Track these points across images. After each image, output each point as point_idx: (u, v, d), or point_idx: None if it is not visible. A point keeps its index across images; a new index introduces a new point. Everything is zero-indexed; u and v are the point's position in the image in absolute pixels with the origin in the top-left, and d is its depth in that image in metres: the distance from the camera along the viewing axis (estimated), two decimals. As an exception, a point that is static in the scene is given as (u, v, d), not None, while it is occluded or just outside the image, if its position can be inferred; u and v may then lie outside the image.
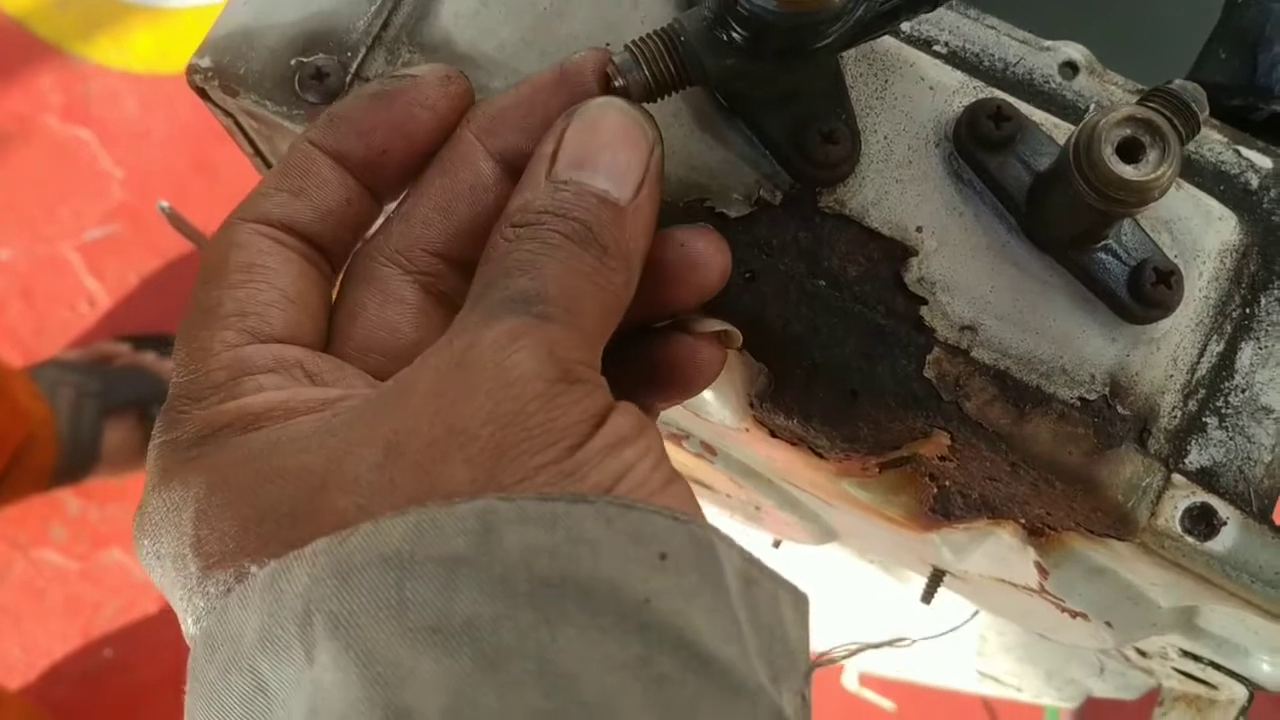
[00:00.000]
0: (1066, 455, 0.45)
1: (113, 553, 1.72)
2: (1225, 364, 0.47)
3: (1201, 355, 0.47)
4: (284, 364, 0.38)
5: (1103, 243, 0.44)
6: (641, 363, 0.44)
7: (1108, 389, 0.45)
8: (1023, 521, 0.51)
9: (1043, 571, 0.52)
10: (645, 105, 0.42)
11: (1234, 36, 0.51)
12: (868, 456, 0.48)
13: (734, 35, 0.41)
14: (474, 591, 0.32)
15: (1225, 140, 0.49)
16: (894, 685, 1.51)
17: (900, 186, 0.46)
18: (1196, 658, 0.59)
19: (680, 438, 0.61)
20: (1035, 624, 0.64)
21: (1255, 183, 0.48)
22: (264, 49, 0.49)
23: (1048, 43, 0.50)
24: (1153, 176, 0.39)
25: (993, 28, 0.50)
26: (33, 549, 1.71)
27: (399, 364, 0.38)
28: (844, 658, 0.38)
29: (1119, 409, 0.45)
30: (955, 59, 0.49)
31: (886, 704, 1.49)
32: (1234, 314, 0.47)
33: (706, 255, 0.42)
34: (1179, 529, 0.45)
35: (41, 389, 1.62)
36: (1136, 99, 0.44)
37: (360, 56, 0.49)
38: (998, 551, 0.53)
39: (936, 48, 0.49)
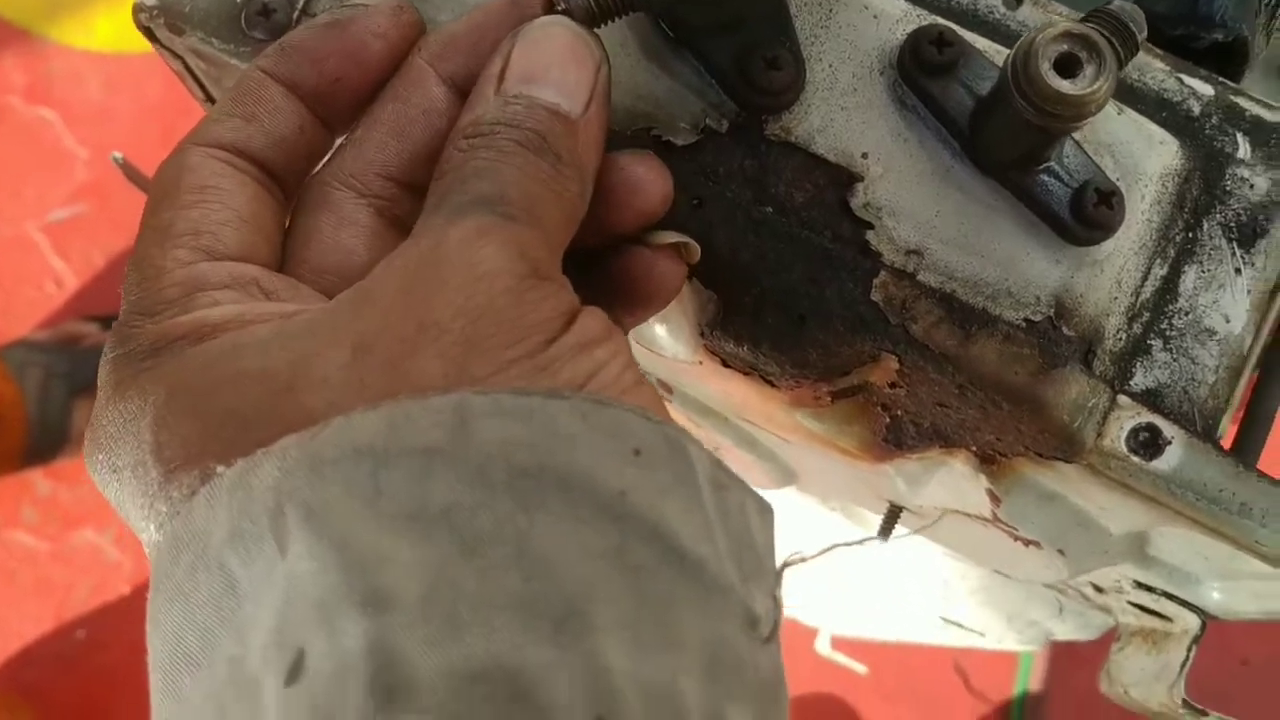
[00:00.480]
0: (1012, 376, 0.45)
1: (84, 533, 1.72)
2: (1169, 287, 0.48)
3: (1145, 279, 0.47)
4: (239, 281, 0.38)
5: (1045, 165, 0.45)
6: (602, 281, 0.44)
7: (1052, 310, 0.46)
8: (974, 449, 0.51)
9: (995, 499, 0.53)
10: (595, 25, 0.42)
11: (1176, -34, 0.51)
12: (818, 383, 0.48)
13: (675, -42, 0.41)
14: (451, 480, 0.31)
15: (1167, 68, 0.49)
16: (866, 649, 1.52)
17: (845, 114, 0.46)
18: (1150, 589, 0.60)
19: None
20: (992, 558, 0.64)
21: (1197, 109, 0.49)
22: (211, -13, 0.49)
23: (992, -27, 0.50)
24: (1089, 91, 0.39)
25: (937, -41, 0.50)
26: (3, 530, 1.71)
27: (349, 265, 0.39)
28: (814, 557, 0.39)
29: (1064, 330, 0.46)
30: (900, -10, 0.49)
31: (859, 667, 1.50)
32: (1177, 238, 0.48)
33: (647, 180, 0.43)
34: (1125, 449, 0.46)
35: (9, 370, 1.62)
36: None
37: (307, -7, 0.49)
38: (951, 481, 0.53)
39: (882, -22, 0.49)
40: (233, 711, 0.30)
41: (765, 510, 0.38)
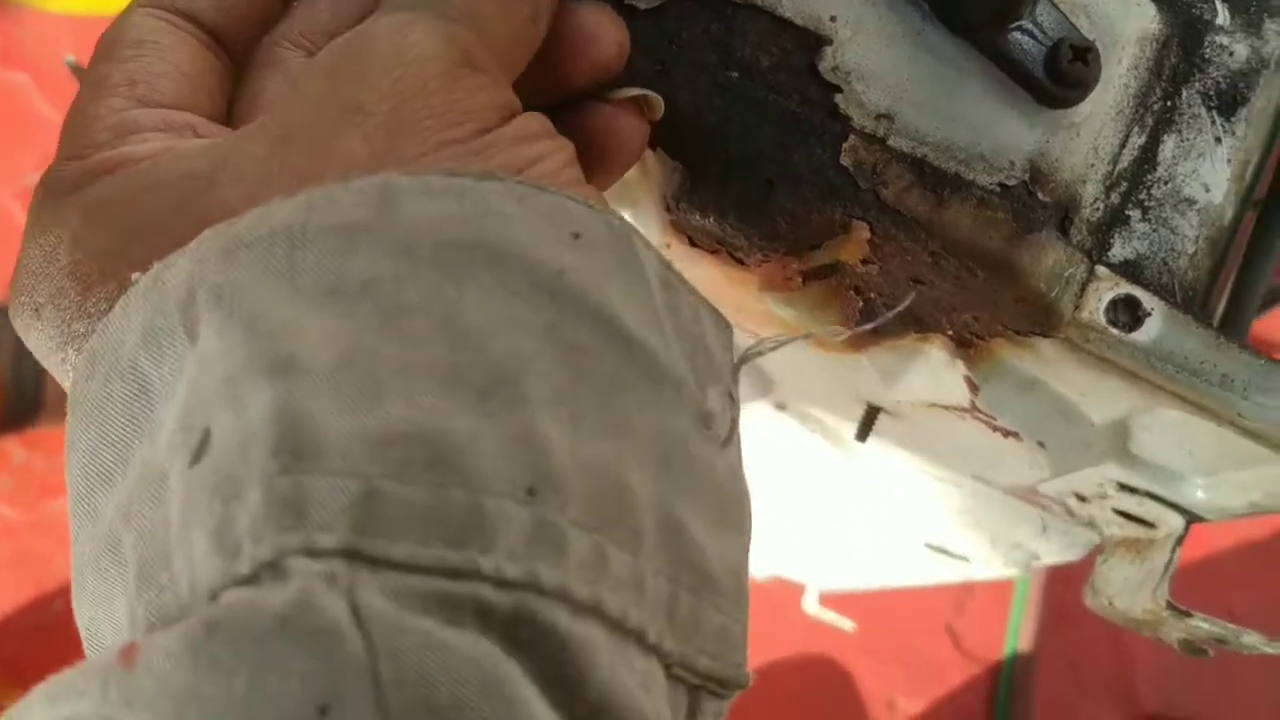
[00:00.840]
0: (987, 240, 0.44)
1: (61, 502, 1.69)
2: (1148, 156, 0.46)
3: (1123, 146, 0.46)
4: (173, 125, 0.36)
5: (1018, 24, 0.43)
6: None
7: (1027, 175, 0.44)
8: (950, 333, 0.50)
9: (973, 387, 0.51)
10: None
11: None
12: (787, 258, 0.47)
13: None
14: (374, 254, 0.30)
15: (1146, -67, 0.48)
16: (854, 609, 1.51)
17: (812, -24, 0.45)
18: (1133, 490, 0.59)
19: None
20: (972, 461, 0.63)
21: (1176, -25, 0.47)
22: None
23: None
24: (1061, -75, 0.38)
25: None
26: (-23, 499, 1.69)
27: None
28: (773, 349, 0.37)
29: (1039, 195, 0.44)
30: None
31: (846, 624, 1.49)
32: (1155, 106, 0.46)
33: (600, 28, 0.41)
34: (1104, 320, 0.45)
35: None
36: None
37: None
38: (928, 371, 0.52)
39: None
40: (138, 512, 0.29)
41: (721, 324, 0.36)
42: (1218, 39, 0.47)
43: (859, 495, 0.82)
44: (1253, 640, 0.56)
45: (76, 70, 0.64)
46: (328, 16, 0.40)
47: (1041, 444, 0.54)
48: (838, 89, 0.44)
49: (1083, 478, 0.59)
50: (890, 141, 0.44)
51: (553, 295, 0.30)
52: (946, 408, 0.54)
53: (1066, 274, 0.44)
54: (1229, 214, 0.47)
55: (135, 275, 0.31)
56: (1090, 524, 0.66)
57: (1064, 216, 0.45)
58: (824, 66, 0.44)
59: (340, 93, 0.33)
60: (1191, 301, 0.46)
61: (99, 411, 0.31)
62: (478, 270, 0.30)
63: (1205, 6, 0.47)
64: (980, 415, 0.53)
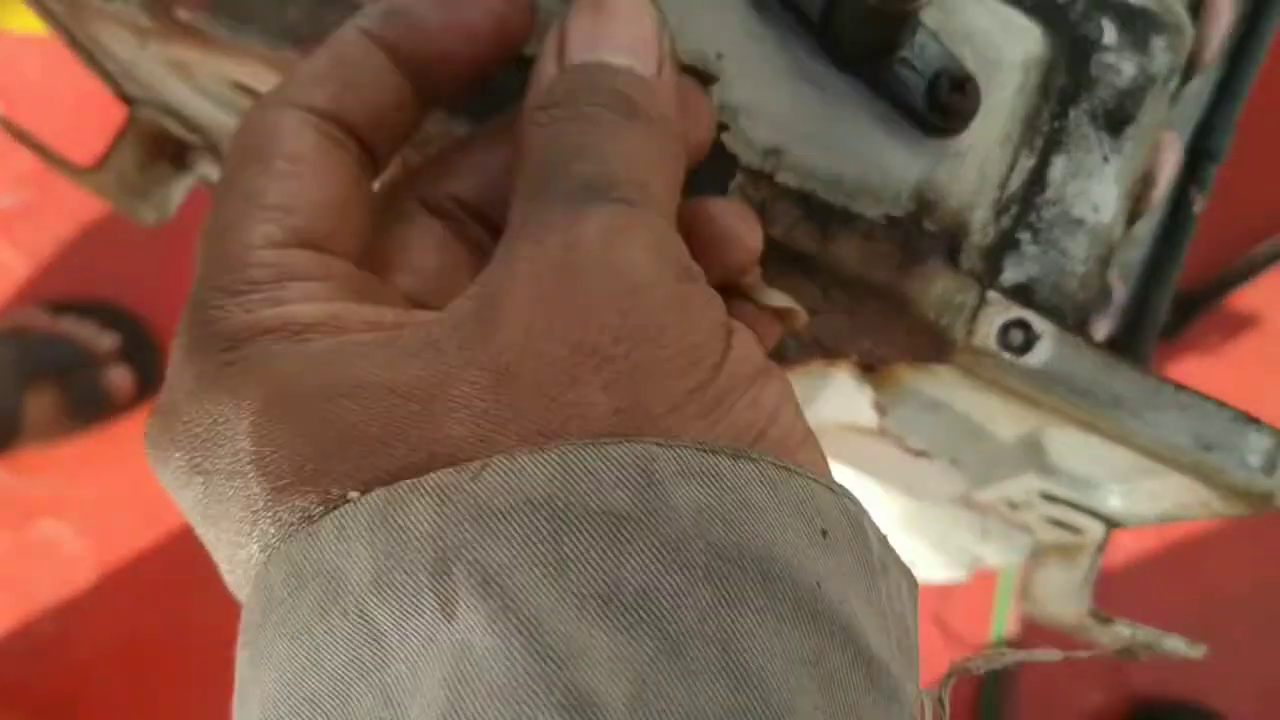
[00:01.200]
0: (874, 273, 0.44)
1: (44, 524, 1.70)
2: (1037, 178, 0.47)
3: (1012, 170, 0.46)
4: (331, 274, 0.33)
5: (900, 55, 0.44)
6: None
7: (914, 205, 0.45)
8: (855, 359, 0.50)
9: (880, 410, 0.52)
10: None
11: None
12: (685, 293, 0.47)
13: None
14: (645, 557, 0.27)
15: (1031, -43, 0.48)
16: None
17: (699, 15, 0.45)
18: (1055, 499, 0.60)
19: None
20: (896, 477, 0.64)
21: (1062, -3, 0.48)
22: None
23: None
24: (921, -34, 0.38)
25: None
26: (-39, 523, 1.69)
27: (429, 286, 0.36)
28: (982, 669, 0.37)
29: (926, 225, 0.45)
30: (756, -110, 0.48)
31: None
32: (1044, 128, 0.47)
33: (738, 231, 0.40)
34: (995, 346, 0.45)
35: (-39, 362, 1.60)
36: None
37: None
38: (839, 396, 0.53)
39: (737, -120, 0.48)
40: None
41: (913, 586, 0.34)
42: (1105, 58, 0.48)
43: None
44: (1175, 644, 0.57)
45: (7, 125, 0.64)
46: (451, 177, 0.38)
47: (954, 461, 0.54)
48: (725, 127, 0.45)
49: (1007, 487, 0.60)
50: (778, 178, 0.45)
51: (814, 617, 0.28)
52: (860, 430, 0.55)
53: (956, 301, 0.45)
54: (1118, 232, 0.47)
55: (351, 494, 0.28)
56: (1026, 529, 0.67)
57: (953, 244, 0.45)
58: (712, 104, 0.45)
59: (564, 328, 0.29)
60: (1084, 322, 0.47)
61: (310, 635, 0.28)
62: (748, 589, 0.27)
63: (1092, 25, 0.48)
64: (890, 437, 0.54)
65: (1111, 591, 1.61)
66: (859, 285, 0.44)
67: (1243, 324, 1.66)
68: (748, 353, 0.32)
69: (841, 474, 0.68)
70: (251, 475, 0.29)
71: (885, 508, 0.74)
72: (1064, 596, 0.61)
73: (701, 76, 0.45)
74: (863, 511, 0.32)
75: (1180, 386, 0.46)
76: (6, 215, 1.74)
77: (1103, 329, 0.60)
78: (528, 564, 0.26)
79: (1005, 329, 0.45)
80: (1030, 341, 0.45)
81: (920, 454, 0.55)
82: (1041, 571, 0.65)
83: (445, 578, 0.26)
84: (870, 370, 0.50)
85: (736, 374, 0.31)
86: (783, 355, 0.51)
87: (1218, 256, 1.65)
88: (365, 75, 0.36)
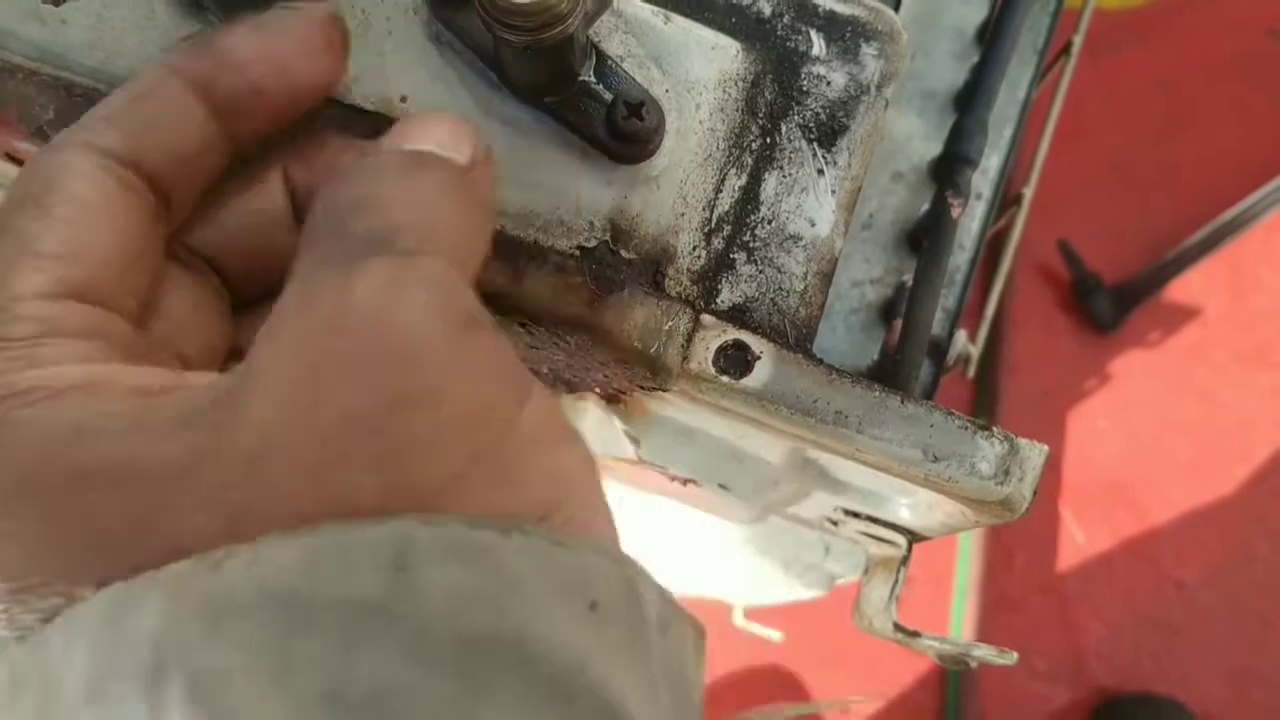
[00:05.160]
0: (567, 306, 0.43)
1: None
2: (749, 197, 0.46)
3: (720, 190, 0.45)
4: (100, 334, 0.31)
5: (580, 82, 0.43)
6: None
7: (608, 234, 0.44)
8: (597, 390, 0.49)
9: (633, 440, 0.51)
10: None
11: None
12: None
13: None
14: (383, 652, 0.25)
15: (735, -29, 0.47)
16: (778, 616, 1.50)
17: (381, 59, 0.45)
18: (857, 514, 0.58)
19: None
20: (698, 502, 0.62)
21: (768, 10, 0.47)
22: None
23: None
24: (542, -4, 0.37)
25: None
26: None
27: (184, 334, 0.35)
28: None
29: (622, 254, 0.44)
30: (452, -75, 0.47)
31: (774, 634, 1.48)
32: (753, 145, 0.46)
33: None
34: (712, 369, 0.44)
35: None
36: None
37: None
38: (597, 428, 0.51)
39: (433, -84, 0.48)
40: None
41: (699, 636, 0.33)
42: (815, 70, 0.46)
43: (662, 519, 0.82)
44: (985, 653, 0.55)
45: None
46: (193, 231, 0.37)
47: (724, 486, 0.53)
48: (411, 170, 0.44)
49: (804, 506, 0.58)
50: (468, 217, 0.44)
51: (570, 700, 0.26)
52: (628, 461, 0.54)
53: (665, 327, 0.44)
54: (838, 245, 0.46)
55: (83, 592, 0.26)
56: (855, 543, 0.66)
57: (655, 270, 0.44)
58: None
59: (332, 398, 0.27)
60: (806, 339, 0.46)
61: None
62: (498, 675, 0.26)
63: (800, 38, 0.47)
64: (653, 467, 0.53)
65: (1071, 589, 1.59)
66: (554, 321, 0.43)
67: (1181, 315, 1.64)
68: (548, 413, 0.30)
69: (654, 501, 0.67)
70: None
71: (730, 533, 0.73)
72: (881, 611, 0.60)
73: (386, 122, 0.44)
74: (640, 575, 0.30)
75: (907, 398, 0.44)
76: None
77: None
78: (250, 668, 0.24)
79: (722, 351, 0.44)
80: (748, 363, 0.44)
81: (688, 481, 0.53)
82: (870, 585, 0.64)
83: (159, 687, 0.24)
84: (614, 401, 0.49)
85: (533, 436, 0.29)
86: (532, 392, 0.50)
87: (1153, 248, 1.63)
88: (168, 115, 0.35)
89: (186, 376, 0.31)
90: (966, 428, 0.44)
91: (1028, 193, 0.72)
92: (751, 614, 1.46)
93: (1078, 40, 0.73)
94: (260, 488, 0.27)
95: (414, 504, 0.27)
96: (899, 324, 0.62)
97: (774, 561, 0.73)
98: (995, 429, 0.45)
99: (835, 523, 0.63)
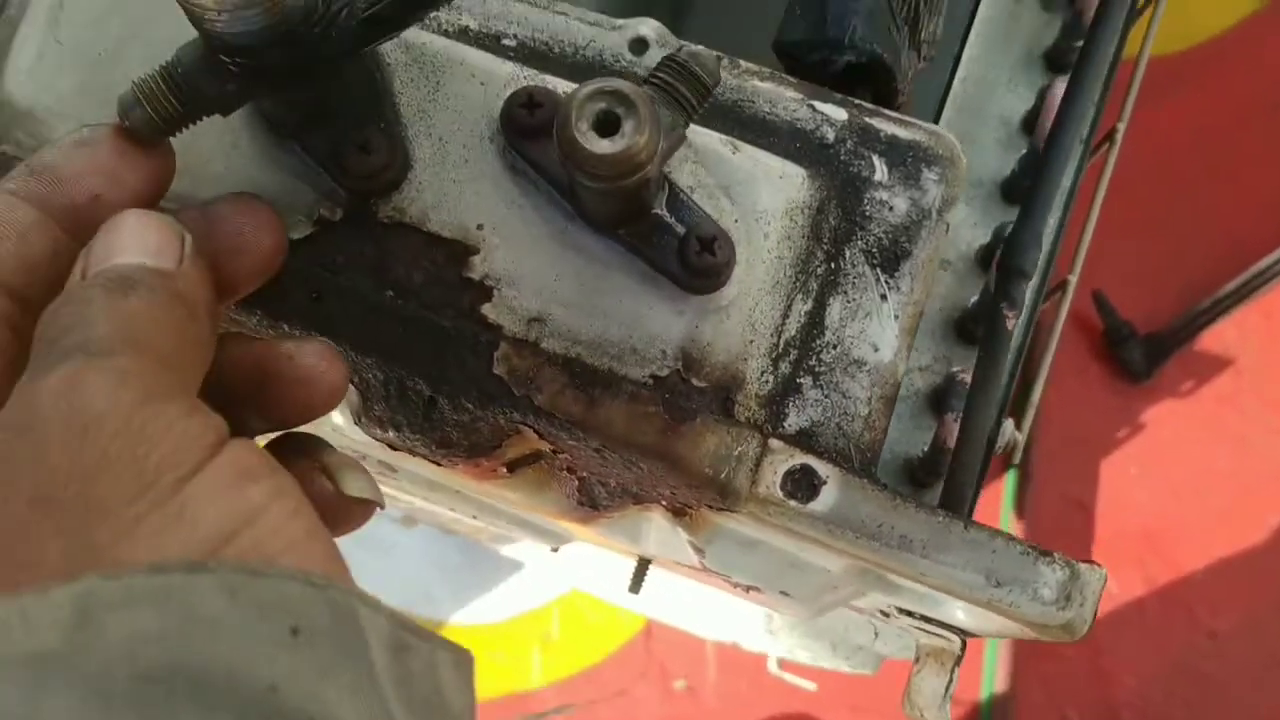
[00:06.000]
0: (641, 435, 0.44)
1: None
2: (815, 322, 0.47)
3: (787, 316, 0.46)
4: None
5: (653, 214, 0.44)
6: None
7: (680, 363, 0.45)
8: (664, 503, 0.50)
9: (698, 550, 0.52)
10: (166, 137, 0.41)
11: (806, -7, 0.50)
12: (472, 458, 0.48)
13: (223, 60, 0.40)
14: (66, 696, 0.27)
15: (800, 97, 0.48)
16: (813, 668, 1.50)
17: (458, 187, 0.46)
18: (911, 613, 0.59)
19: (360, 456, 0.61)
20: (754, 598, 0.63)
21: (831, 136, 0.48)
22: None
23: (619, 22, 0.49)
24: (626, 148, 0.38)
25: (563, 14, 0.49)
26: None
27: None
28: None
29: (694, 382, 0.45)
30: (524, 50, 0.49)
31: (809, 685, 1.49)
32: (818, 270, 0.47)
33: (317, 370, 0.39)
34: (780, 494, 0.45)
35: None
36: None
37: (-62, 127, 0.49)
38: (660, 535, 0.52)
39: (506, 41, 0.49)
40: None
41: (462, 660, 0.34)
42: (877, 195, 0.47)
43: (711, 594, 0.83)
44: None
45: None
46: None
47: (785, 594, 0.54)
48: (487, 298, 0.45)
49: (859, 605, 0.59)
50: (543, 344, 0.45)
51: (264, 719, 0.28)
52: (689, 567, 0.55)
53: (735, 453, 0.45)
54: (900, 370, 0.47)
55: None
56: (907, 631, 0.66)
57: (725, 397, 0.45)
58: (474, 276, 0.45)
59: (22, 483, 0.30)
60: (869, 463, 0.46)
61: None
62: (178, 704, 0.27)
63: (862, 163, 0.48)
64: (715, 575, 0.54)
65: (1103, 638, 1.58)
66: (628, 449, 0.44)
67: (1214, 364, 1.64)
68: (233, 458, 0.32)
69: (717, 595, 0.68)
70: None
71: (782, 615, 0.74)
72: (933, 705, 0.60)
73: (462, 249, 0.45)
74: (359, 598, 0.31)
75: (971, 523, 0.45)
76: None
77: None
78: None
79: (789, 476, 0.45)
80: (815, 488, 0.45)
81: (750, 589, 0.54)
82: (920, 676, 0.64)
83: None
84: (680, 514, 0.50)
85: (208, 483, 0.31)
86: (596, 502, 0.51)
87: (1186, 297, 1.63)
88: (14, 230, 0.38)
89: None
90: (1028, 554, 0.45)
91: (1073, 279, 0.73)
92: (786, 663, 1.47)
93: (1121, 127, 0.73)
94: None
95: (90, 562, 0.29)
96: (950, 418, 0.63)
97: (826, 642, 0.73)
98: (1057, 555, 0.45)
99: (887, 615, 0.64)
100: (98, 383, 0.32)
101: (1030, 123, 0.71)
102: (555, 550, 0.77)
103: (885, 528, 0.45)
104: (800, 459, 0.45)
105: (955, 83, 0.71)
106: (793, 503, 0.45)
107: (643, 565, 0.59)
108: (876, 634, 0.70)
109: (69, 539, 0.30)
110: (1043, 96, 0.69)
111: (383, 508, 0.41)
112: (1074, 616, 0.45)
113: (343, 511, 0.40)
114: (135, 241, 0.37)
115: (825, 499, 0.45)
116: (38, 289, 0.38)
